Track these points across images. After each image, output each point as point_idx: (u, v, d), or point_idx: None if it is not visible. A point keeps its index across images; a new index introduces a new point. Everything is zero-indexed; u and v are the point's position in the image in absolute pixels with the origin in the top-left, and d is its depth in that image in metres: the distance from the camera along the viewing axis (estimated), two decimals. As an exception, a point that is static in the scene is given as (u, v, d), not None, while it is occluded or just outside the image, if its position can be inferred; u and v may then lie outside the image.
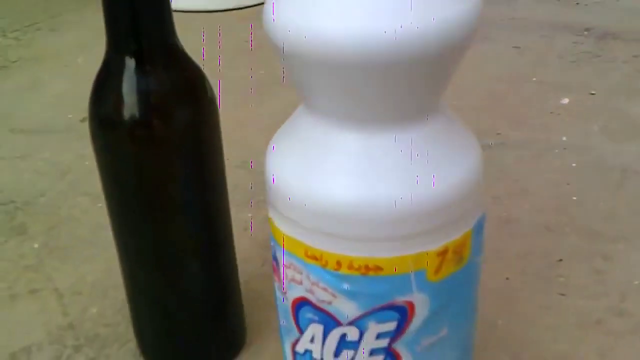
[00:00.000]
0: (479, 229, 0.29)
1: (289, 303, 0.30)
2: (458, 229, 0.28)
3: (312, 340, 0.30)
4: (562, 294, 0.45)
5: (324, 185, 0.27)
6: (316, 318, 0.29)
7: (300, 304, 0.30)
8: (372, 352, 0.29)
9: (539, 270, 0.47)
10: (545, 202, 0.54)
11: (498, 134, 0.65)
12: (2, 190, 0.58)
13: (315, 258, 0.28)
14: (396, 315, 0.28)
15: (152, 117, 0.34)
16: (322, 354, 0.30)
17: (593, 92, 0.72)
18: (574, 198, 0.55)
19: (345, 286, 0.28)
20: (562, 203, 0.54)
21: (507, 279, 0.47)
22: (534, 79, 0.76)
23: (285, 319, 0.31)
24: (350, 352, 0.29)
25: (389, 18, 0.24)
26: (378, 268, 0.27)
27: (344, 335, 0.29)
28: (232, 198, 0.39)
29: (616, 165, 0.59)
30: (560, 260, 0.48)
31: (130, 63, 0.33)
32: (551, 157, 0.61)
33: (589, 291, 0.45)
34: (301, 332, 0.30)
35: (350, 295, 0.28)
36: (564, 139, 0.64)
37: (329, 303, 0.29)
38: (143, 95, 0.33)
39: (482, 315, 0.43)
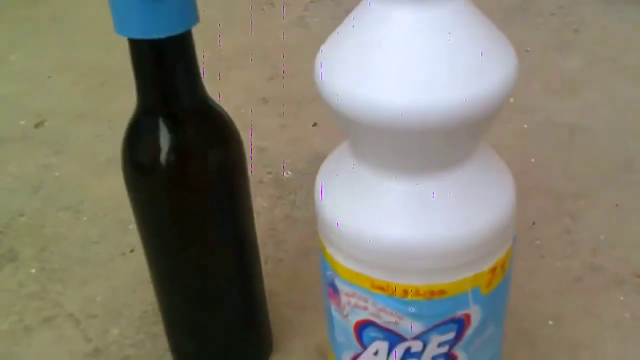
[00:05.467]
0: (513, 240, 0.33)
1: (350, 325, 0.33)
2: (503, 247, 0.31)
3: (375, 354, 0.33)
4: (542, 256, 0.50)
5: (386, 229, 0.30)
6: (381, 336, 0.33)
7: (364, 325, 0.33)
8: (434, 358, 0.33)
9: (518, 235, 0.52)
10: (508, 166, 0.59)
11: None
12: (-24, 214, 0.57)
13: (382, 288, 0.31)
14: (455, 326, 0.32)
15: (187, 165, 0.35)
16: (385, 365, 0.33)
17: (528, 49, 0.77)
18: (532, 160, 0.60)
19: (411, 309, 0.31)
20: (523, 166, 0.59)
21: (493, 248, 0.51)
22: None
23: (345, 337, 0.34)
24: (413, 361, 0.33)
25: (438, 91, 0.26)
26: (442, 292, 0.30)
27: (408, 348, 0.32)
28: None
29: (564, 123, 0.64)
30: (534, 223, 0.53)
31: (163, 117, 0.34)
32: (503, 121, 0.65)
33: (564, 251, 0.51)
34: (364, 347, 0.34)
35: (416, 316, 0.31)
36: (512, 100, 0.68)
37: (395, 324, 0.32)
38: (177, 145, 0.34)
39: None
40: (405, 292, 0.31)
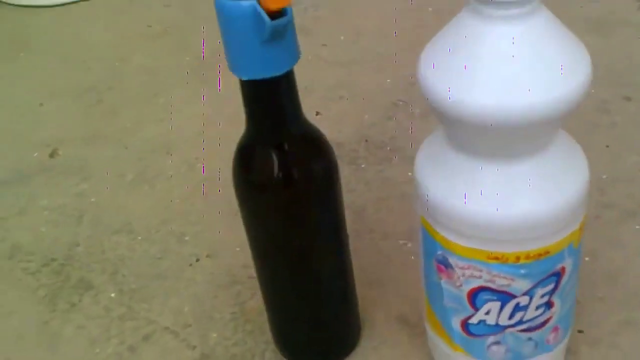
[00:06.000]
0: (586, 199, 0.40)
1: (464, 293, 0.40)
2: (586, 207, 0.38)
3: (487, 313, 0.40)
4: (561, 202, 0.58)
5: (505, 209, 0.36)
6: (494, 298, 0.39)
7: (478, 290, 0.39)
8: (537, 307, 0.40)
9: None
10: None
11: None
12: (32, 252, 0.59)
13: (497, 258, 0.37)
14: (555, 278, 0.39)
15: (300, 182, 0.40)
16: (497, 320, 0.40)
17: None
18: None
19: (522, 271, 0.38)
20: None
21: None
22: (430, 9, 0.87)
23: (457, 303, 0.40)
24: (521, 313, 0.40)
25: (531, 93, 0.33)
26: (547, 252, 0.37)
27: (517, 303, 0.39)
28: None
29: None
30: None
31: (276, 142, 0.39)
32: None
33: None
34: (476, 309, 0.40)
35: (525, 276, 0.38)
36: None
37: (508, 285, 0.38)
38: (291, 166, 0.39)
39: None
40: (518, 258, 0.37)
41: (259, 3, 0.33)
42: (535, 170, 0.36)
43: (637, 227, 0.55)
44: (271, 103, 0.38)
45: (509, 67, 0.33)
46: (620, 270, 0.52)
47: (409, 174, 0.64)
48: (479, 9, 0.33)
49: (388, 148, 0.67)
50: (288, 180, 0.39)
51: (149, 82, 0.80)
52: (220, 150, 0.69)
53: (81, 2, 0.97)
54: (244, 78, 0.37)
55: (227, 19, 0.35)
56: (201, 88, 0.78)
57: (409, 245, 0.57)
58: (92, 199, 0.64)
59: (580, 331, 0.49)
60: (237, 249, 0.58)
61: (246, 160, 0.40)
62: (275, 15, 0.34)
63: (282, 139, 0.39)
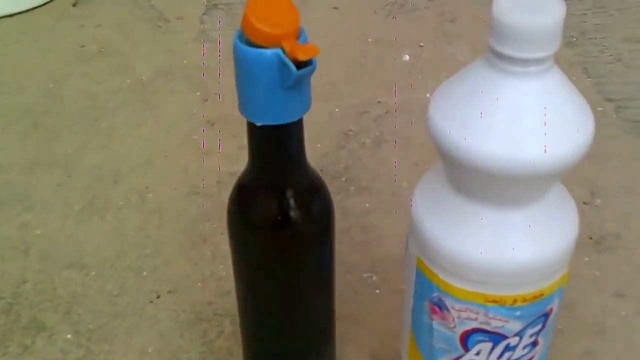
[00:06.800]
0: (569, 241, 0.41)
1: (456, 334, 0.40)
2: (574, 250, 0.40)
3: (477, 354, 0.40)
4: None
5: (505, 255, 0.36)
6: (486, 339, 0.40)
7: (472, 332, 0.40)
8: (524, 347, 0.40)
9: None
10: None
11: (379, 102, 0.76)
12: (-25, 289, 0.55)
13: (495, 301, 0.38)
14: (543, 318, 0.40)
15: (299, 225, 0.39)
16: (486, 360, 0.41)
17: (421, 44, 0.86)
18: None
19: (518, 313, 0.38)
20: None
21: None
22: (369, 39, 0.88)
23: (447, 344, 0.41)
24: (510, 353, 0.40)
25: (535, 146, 0.34)
26: (541, 294, 0.38)
27: (508, 344, 0.40)
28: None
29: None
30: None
31: (279, 185, 0.39)
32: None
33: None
34: (467, 350, 0.40)
35: (520, 318, 0.39)
36: (428, 95, 0.77)
37: (501, 327, 0.39)
38: (294, 209, 0.39)
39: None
40: (515, 300, 0.38)
41: (285, 52, 0.32)
42: (538, 216, 0.37)
43: (586, 259, 0.58)
44: (281, 148, 0.37)
45: (522, 120, 0.33)
46: (575, 301, 0.55)
47: (367, 205, 0.66)
48: (495, 63, 0.34)
49: (343, 178, 0.67)
50: (292, 225, 0.39)
51: (89, 105, 0.76)
52: (171, 177, 0.68)
53: (4, 19, 0.91)
54: (259, 123, 0.36)
55: (247, 66, 0.34)
56: (145, 112, 0.75)
57: (374, 278, 0.57)
58: (38, 231, 0.60)
59: (545, 364, 0.50)
60: (199, 284, 0.56)
61: (248, 200, 0.39)
62: (301, 64, 0.33)
63: (288, 183, 0.39)
